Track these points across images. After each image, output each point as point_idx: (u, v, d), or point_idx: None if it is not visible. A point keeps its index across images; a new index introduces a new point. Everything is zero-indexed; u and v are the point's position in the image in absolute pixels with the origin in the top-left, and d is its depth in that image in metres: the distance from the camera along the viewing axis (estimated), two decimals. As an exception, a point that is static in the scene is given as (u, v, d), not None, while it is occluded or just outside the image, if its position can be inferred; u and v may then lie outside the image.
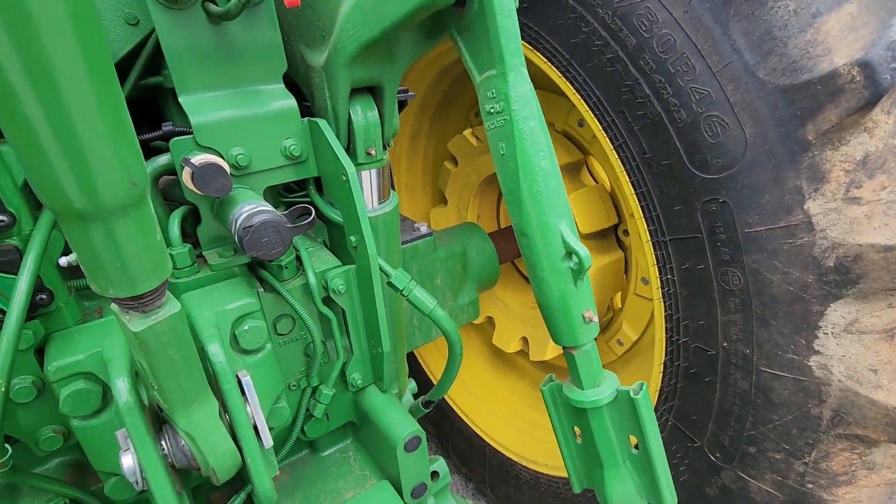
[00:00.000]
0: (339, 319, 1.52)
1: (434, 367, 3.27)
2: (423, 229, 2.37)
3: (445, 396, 3.27)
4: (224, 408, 1.13)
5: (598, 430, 1.38)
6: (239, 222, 1.16)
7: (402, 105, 2.03)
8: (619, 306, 2.73)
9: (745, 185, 1.49)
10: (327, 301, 1.46)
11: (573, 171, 2.55)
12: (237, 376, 1.17)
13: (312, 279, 1.41)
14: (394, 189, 1.74)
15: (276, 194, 1.70)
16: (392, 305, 1.71)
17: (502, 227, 3.18)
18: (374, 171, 1.52)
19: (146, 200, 0.76)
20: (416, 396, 2.06)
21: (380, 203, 1.58)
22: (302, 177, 1.47)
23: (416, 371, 3.32)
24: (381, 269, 1.43)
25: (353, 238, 1.42)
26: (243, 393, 1.16)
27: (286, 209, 1.78)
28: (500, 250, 2.73)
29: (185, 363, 0.95)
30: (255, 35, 1.36)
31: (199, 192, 1.20)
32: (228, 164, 1.34)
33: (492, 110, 1.22)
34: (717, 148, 1.53)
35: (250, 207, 1.19)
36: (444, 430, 3.29)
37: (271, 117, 1.37)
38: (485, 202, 3.16)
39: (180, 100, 1.31)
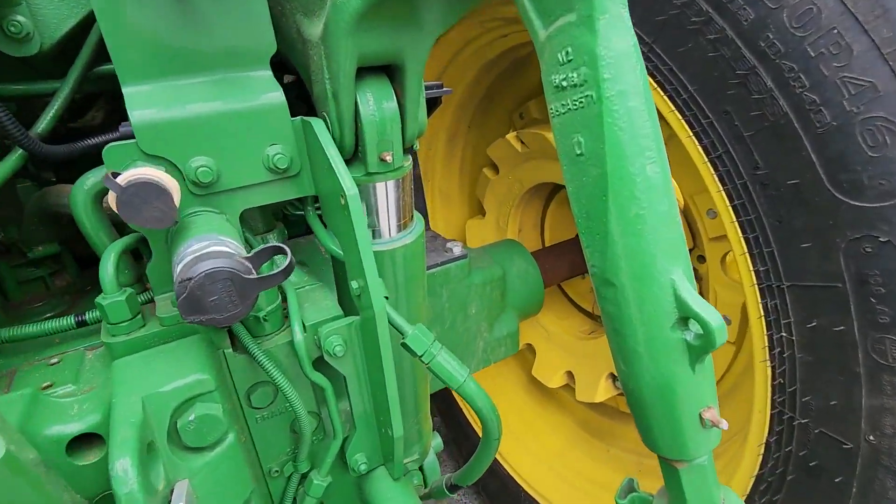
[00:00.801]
0: (340, 384, 1.09)
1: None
2: (457, 250, 1.92)
3: (476, 428, 2.82)
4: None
5: (703, 580, 0.89)
6: (178, 270, 0.75)
7: (435, 103, 1.60)
8: (688, 345, 2.20)
9: (927, 221, 0.97)
10: (322, 363, 1.04)
11: (638, 183, 2.04)
12: (170, 496, 0.76)
13: (299, 337, 0.98)
14: (418, 211, 1.30)
15: (281, 208, 1.29)
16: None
17: (547, 244, 2.70)
18: (390, 185, 1.07)
19: None
20: (443, 459, 1.62)
21: (399, 231, 1.13)
22: (292, 196, 1.05)
23: (451, 405, 2.87)
24: (393, 325, 1.00)
25: (355, 284, 0.98)
26: (177, 524, 0.74)
27: (283, 234, 1.37)
28: (546, 273, 2.25)
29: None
30: (231, 2, 0.95)
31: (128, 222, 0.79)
32: (188, 179, 0.93)
33: (565, 82, 0.74)
34: (880, 164, 1.01)
35: (200, 246, 0.77)
36: (475, 464, 2.84)
37: (249, 115, 0.95)
38: (528, 215, 2.68)
39: (123, 91, 0.91)
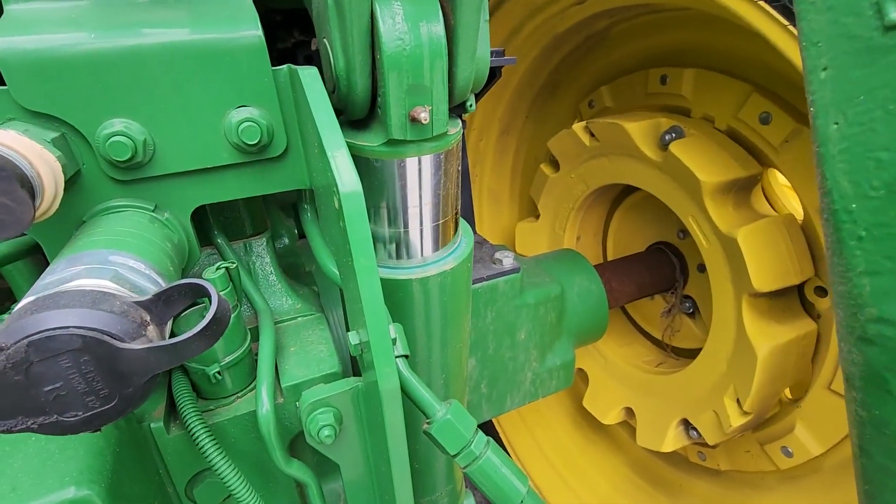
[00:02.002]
0: (334, 474, 0.71)
1: (511, 434, 2.39)
2: (507, 262, 1.50)
3: (513, 455, 2.41)
4: None
5: None
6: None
7: (493, 75, 1.18)
8: (790, 397, 1.70)
9: None
10: (300, 448, 0.66)
11: (742, 191, 1.54)
12: None
13: (267, 409, 0.60)
14: (464, 212, 0.89)
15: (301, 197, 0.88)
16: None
17: (609, 257, 2.23)
18: (426, 163, 0.65)
19: None
20: None
21: (437, 247, 0.72)
22: (272, 190, 0.66)
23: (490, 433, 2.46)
24: (414, 402, 0.60)
25: (354, 338, 0.59)
26: None
27: (292, 236, 1.00)
28: (611, 293, 1.80)
29: None
30: None
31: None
32: (101, 156, 0.56)
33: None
34: None
35: (56, 279, 0.40)
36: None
37: (203, 57, 0.57)
38: (589, 221, 2.21)
39: (6, 8, 0.55)
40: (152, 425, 0.59)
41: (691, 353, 1.84)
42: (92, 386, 0.37)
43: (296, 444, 0.72)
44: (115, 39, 0.53)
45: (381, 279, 0.63)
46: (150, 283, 0.44)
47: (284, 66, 0.61)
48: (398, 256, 0.69)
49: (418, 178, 0.65)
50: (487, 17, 0.65)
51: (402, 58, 0.54)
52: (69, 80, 0.52)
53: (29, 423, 0.36)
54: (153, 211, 0.59)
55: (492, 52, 1.12)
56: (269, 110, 0.61)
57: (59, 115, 0.53)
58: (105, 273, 0.41)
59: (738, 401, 1.53)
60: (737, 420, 1.54)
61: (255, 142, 0.59)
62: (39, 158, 0.46)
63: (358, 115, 0.62)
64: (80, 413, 0.37)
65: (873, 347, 0.40)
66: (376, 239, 0.69)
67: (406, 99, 0.57)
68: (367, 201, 0.63)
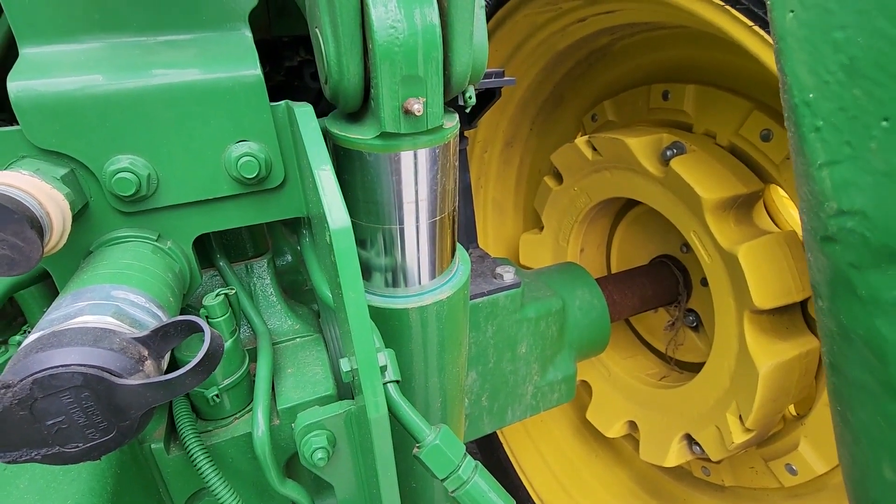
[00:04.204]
0: (331, 490, 0.73)
1: (515, 446, 2.39)
2: (508, 277, 1.51)
3: (516, 466, 2.41)
4: None
5: None
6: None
7: (493, 96, 1.21)
8: (795, 414, 1.68)
9: None
10: (297, 466, 0.68)
11: (744, 207, 1.55)
12: None
13: (262, 431, 0.62)
14: (468, 232, 0.90)
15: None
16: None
17: (612, 270, 2.23)
18: (422, 157, 0.63)
19: None
20: None
21: (434, 273, 0.74)
22: (270, 219, 0.69)
23: (491, 450, 2.45)
24: (404, 427, 0.62)
25: (345, 364, 0.61)
26: None
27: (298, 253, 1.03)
28: (613, 306, 1.80)
29: None
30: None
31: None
32: (107, 190, 0.59)
33: None
34: None
35: (59, 315, 0.43)
36: (513, 506, 2.42)
37: (204, 95, 0.60)
38: (592, 234, 2.22)
39: (21, 52, 0.58)
40: (153, 446, 0.62)
41: (695, 367, 1.84)
42: (92, 419, 0.39)
43: (293, 462, 0.74)
44: (123, 81, 0.56)
45: (377, 308, 0.65)
46: (150, 316, 0.47)
47: (282, 103, 0.64)
48: (394, 284, 0.71)
49: (413, 172, 0.64)
50: (483, 3, 0.64)
51: (394, 47, 0.53)
52: (79, 121, 0.55)
53: (33, 454, 0.38)
54: (156, 240, 0.62)
55: (491, 73, 1.14)
56: (268, 144, 0.63)
57: (68, 152, 0.56)
58: (107, 309, 0.44)
59: (740, 417, 1.52)
60: (739, 437, 1.53)
61: (254, 175, 0.62)
62: (48, 198, 0.49)
63: (351, 106, 0.61)
64: (81, 444, 0.39)
65: (836, 245, 0.38)
66: (372, 265, 0.71)
67: (399, 90, 0.55)
68: (361, 196, 0.64)
